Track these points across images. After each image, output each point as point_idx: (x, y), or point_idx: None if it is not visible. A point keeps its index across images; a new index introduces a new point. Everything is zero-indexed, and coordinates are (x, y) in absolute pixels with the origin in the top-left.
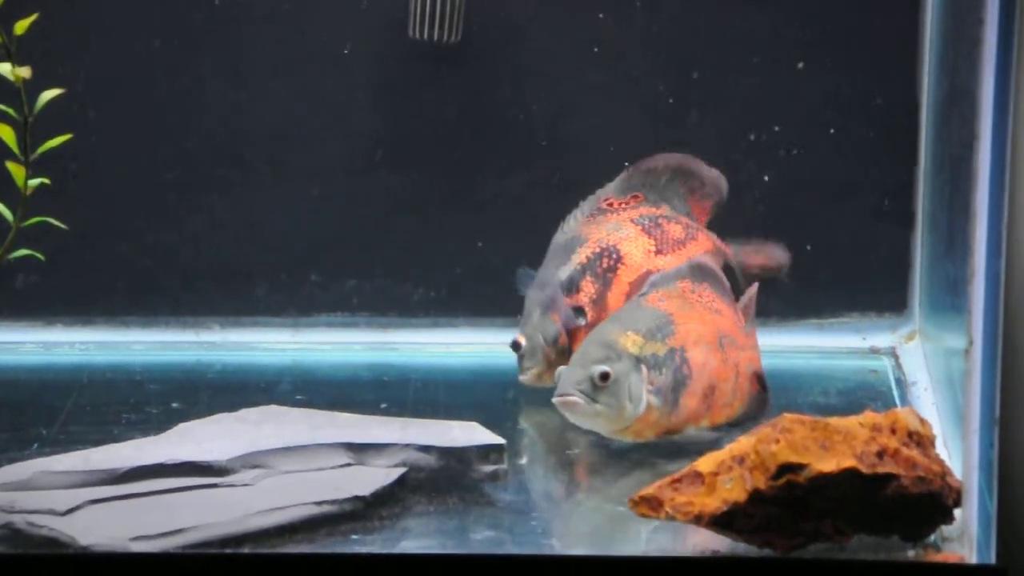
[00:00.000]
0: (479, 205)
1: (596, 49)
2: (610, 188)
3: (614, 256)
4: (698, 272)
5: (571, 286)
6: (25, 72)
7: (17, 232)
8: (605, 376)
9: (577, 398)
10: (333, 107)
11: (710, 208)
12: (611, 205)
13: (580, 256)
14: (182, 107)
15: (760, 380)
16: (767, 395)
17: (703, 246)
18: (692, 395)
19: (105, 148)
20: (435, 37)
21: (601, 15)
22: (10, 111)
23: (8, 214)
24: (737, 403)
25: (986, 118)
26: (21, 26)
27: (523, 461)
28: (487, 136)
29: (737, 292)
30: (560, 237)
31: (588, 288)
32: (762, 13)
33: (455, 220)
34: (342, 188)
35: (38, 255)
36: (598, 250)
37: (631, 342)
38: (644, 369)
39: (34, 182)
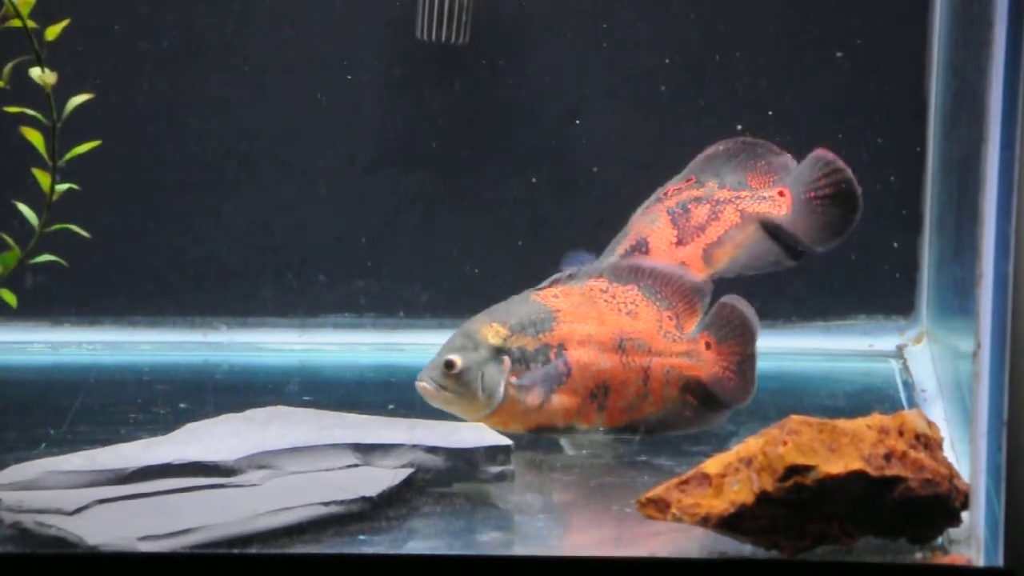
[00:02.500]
0: (486, 206)
1: (604, 50)
2: (675, 179)
3: (643, 249)
4: (626, 273)
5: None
6: (51, 78)
7: (39, 236)
8: (450, 364)
9: (427, 384)
10: (341, 108)
11: (772, 179)
12: (666, 194)
13: (620, 249)
14: (190, 108)
15: (696, 392)
16: (703, 408)
17: (727, 223)
18: (570, 393)
19: (113, 149)
20: (443, 38)
21: (609, 16)
22: (39, 116)
23: (33, 217)
24: (649, 408)
25: (994, 120)
26: (52, 31)
27: (530, 462)
28: (495, 137)
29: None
30: (623, 230)
31: None
32: (770, 14)
33: (462, 221)
34: (349, 189)
35: (61, 261)
36: (634, 243)
37: (493, 333)
38: (506, 361)
39: (61, 187)
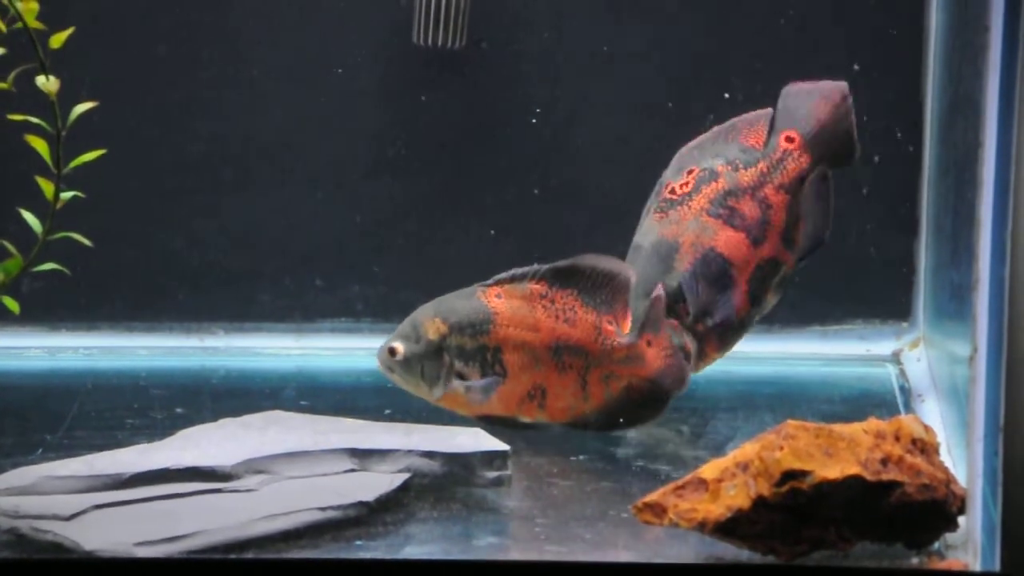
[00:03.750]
0: (482, 210)
1: (600, 54)
2: (667, 173)
3: (719, 261)
4: (565, 275)
5: (689, 293)
6: (54, 85)
7: (42, 244)
8: (392, 352)
9: (379, 363)
10: (338, 113)
11: (764, 129)
12: (673, 192)
13: (682, 263)
14: (187, 113)
15: (640, 390)
16: (648, 403)
17: (781, 204)
18: (509, 394)
19: (110, 154)
20: (439, 43)
21: (604, 20)
22: (43, 124)
23: (37, 226)
24: (588, 407)
25: (991, 124)
26: (58, 39)
27: (527, 467)
28: (491, 141)
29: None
30: (642, 239)
31: (707, 292)
32: (766, 20)
33: (458, 226)
34: (346, 194)
35: (63, 269)
36: (699, 256)
37: (433, 329)
38: (446, 358)
39: (66, 195)
